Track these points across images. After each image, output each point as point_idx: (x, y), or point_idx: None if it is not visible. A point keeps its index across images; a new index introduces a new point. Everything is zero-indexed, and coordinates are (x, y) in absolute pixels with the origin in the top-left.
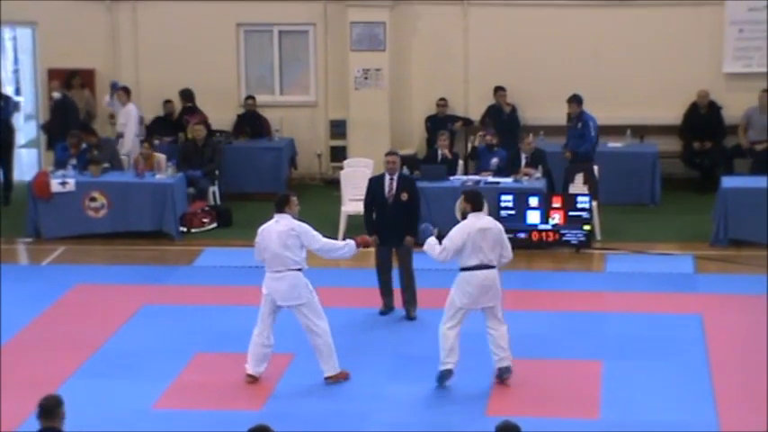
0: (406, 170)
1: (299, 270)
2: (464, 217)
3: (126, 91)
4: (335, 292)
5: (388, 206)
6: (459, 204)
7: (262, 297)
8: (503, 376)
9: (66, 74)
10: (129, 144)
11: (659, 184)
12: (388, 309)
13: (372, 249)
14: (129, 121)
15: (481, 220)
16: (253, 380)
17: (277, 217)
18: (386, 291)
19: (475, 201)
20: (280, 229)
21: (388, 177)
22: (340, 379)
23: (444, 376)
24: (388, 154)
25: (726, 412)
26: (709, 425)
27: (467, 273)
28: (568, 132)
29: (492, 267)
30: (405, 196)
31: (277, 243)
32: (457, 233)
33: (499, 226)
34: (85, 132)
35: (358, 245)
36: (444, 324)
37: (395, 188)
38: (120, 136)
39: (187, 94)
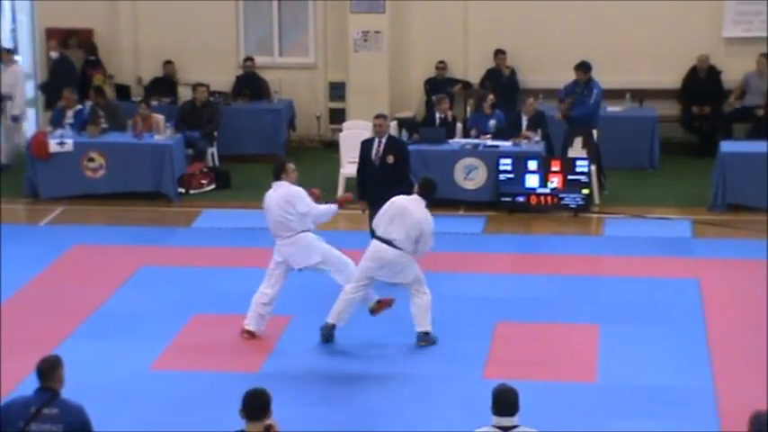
0: (404, 133)
1: (307, 231)
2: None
3: (9, 52)
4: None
5: (375, 168)
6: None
7: (272, 262)
8: (418, 342)
9: (63, 33)
10: (22, 106)
11: (658, 148)
12: None
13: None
14: (17, 82)
15: (414, 204)
16: (251, 336)
17: (275, 185)
18: None
19: (422, 187)
20: (277, 197)
21: (376, 140)
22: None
23: (326, 328)
24: (376, 117)
25: (722, 376)
26: (706, 388)
27: (373, 240)
28: (575, 98)
29: (397, 248)
30: (391, 159)
31: (277, 211)
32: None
33: (423, 222)
34: (96, 94)
35: (340, 205)
36: (350, 285)
37: (381, 151)
38: (7, 98)
39: (90, 48)
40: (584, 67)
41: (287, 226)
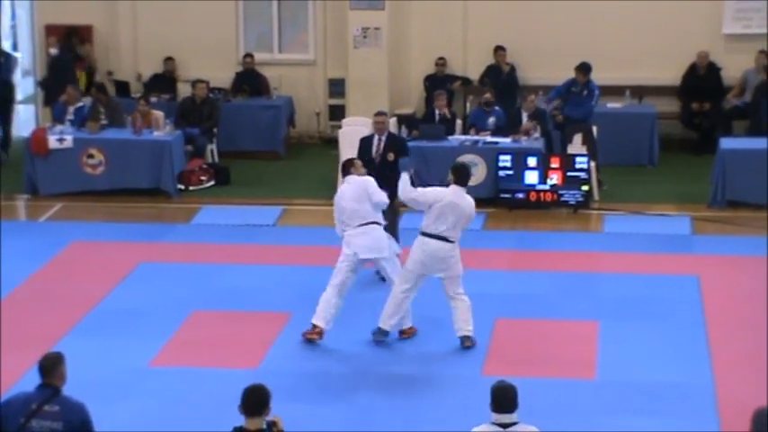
0: (404, 130)
1: (379, 224)
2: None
3: None
4: (331, 251)
5: (375, 166)
6: (448, 175)
7: (342, 254)
8: (463, 344)
9: (64, 30)
10: None
11: (657, 145)
12: None
13: None
14: None
15: (458, 196)
16: (315, 330)
17: (347, 179)
18: None
19: (458, 175)
20: (353, 189)
21: (376, 138)
22: (409, 335)
23: (378, 334)
24: (376, 114)
25: (721, 373)
26: (705, 385)
27: (423, 238)
28: (571, 98)
29: (448, 241)
30: (391, 156)
31: (350, 199)
32: (433, 192)
33: (470, 211)
34: (97, 90)
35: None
36: (398, 286)
37: (382, 148)
38: None
39: (70, 43)
40: (584, 69)
41: (360, 214)
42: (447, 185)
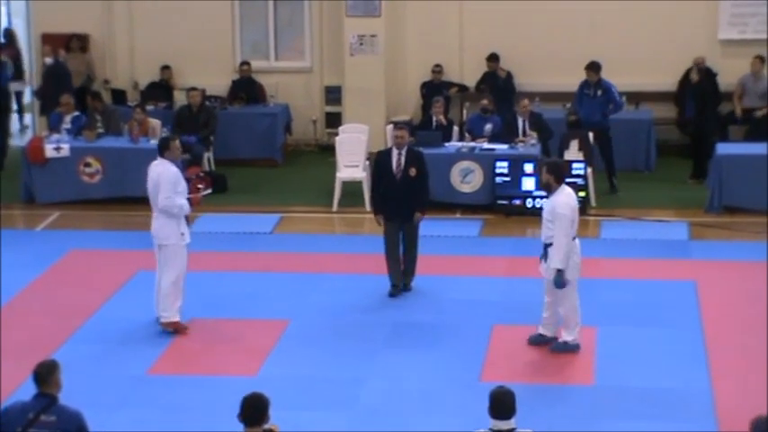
0: None
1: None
2: (547, 188)
3: None
4: (332, 258)
5: (397, 182)
6: (543, 176)
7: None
8: (556, 349)
9: (64, 38)
10: None
11: (654, 150)
12: (397, 288)
13: (370, 218)
14: None
15: (570, 193)
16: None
17: (158, 160)
18: (394, 269)
19: (558, 173)
20: (155, 174)
21: (396, 152)
22: (176, 329)
23: (561, 344)
24: (397, 128)
25: (719, 378)
26: (703, 390)
27: (572, 243)
28: (584, 100)
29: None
30: (413, 171)
31: (151, 186)
32: (565, 217)
33: None
34: (93, 98)
35: (193, 204)
36: (570, 300)
37: (403, 163)
38: None
39: (6, 33)
40: (595, 68)
41: (155, 202)
42: (547, 188)
